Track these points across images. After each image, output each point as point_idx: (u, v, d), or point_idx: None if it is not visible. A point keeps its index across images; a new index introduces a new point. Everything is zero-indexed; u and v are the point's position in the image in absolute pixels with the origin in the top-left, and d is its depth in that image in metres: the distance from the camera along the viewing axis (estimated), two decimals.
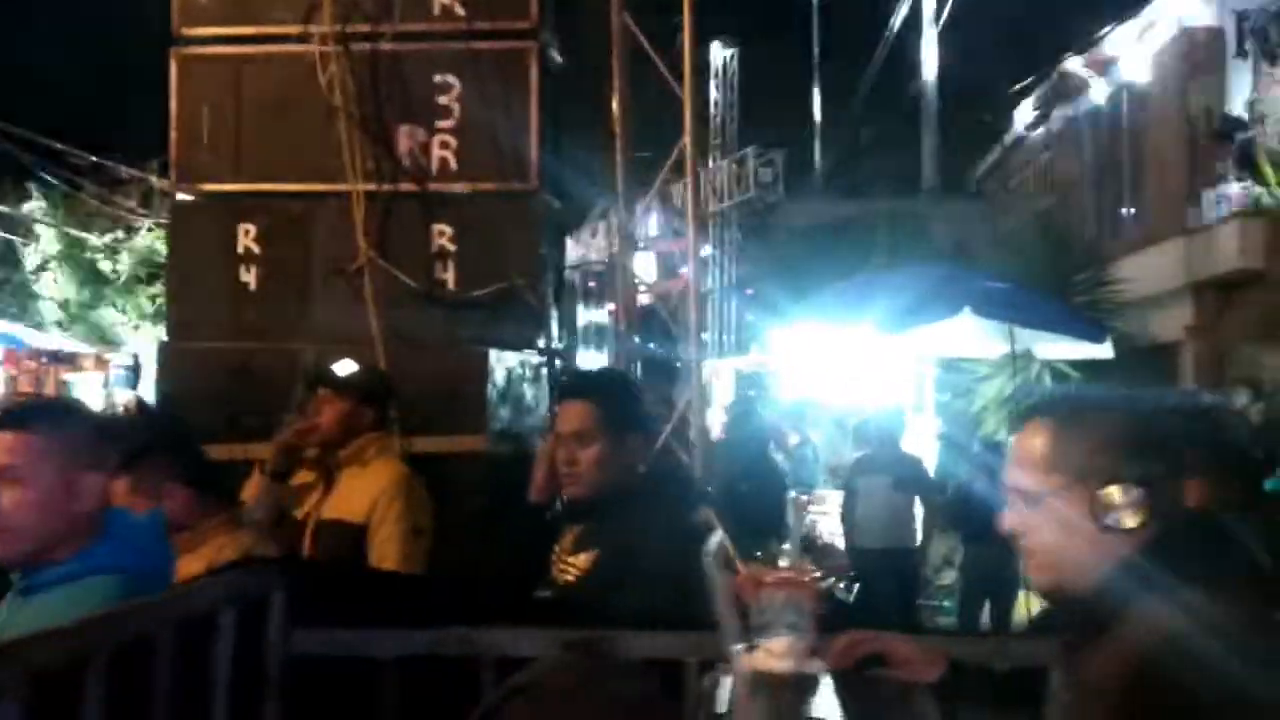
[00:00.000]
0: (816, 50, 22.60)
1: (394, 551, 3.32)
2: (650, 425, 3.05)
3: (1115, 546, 1.61)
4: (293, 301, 4.55)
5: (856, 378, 10.40)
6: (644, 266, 21.42)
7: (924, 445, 9.43)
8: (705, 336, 16.85)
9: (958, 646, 2.07)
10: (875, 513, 7.93)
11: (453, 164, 4.53)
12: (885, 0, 20.71)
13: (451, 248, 4.51)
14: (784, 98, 22.71)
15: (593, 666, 1.58)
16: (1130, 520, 1.60)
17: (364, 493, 3.43)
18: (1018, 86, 17.41)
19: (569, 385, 3.23)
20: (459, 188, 4.53)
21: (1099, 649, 1.57)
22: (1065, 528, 1.64)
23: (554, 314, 4.79)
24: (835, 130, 23.60)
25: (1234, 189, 11.37)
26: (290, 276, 4.56)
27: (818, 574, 2.04)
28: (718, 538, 2.05)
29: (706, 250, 17.80)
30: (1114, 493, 1.60)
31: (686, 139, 4.60)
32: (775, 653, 1.92)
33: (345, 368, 3.57)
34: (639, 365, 6.95)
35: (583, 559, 2.86)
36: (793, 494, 9.35)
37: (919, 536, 8.14)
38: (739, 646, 1.82)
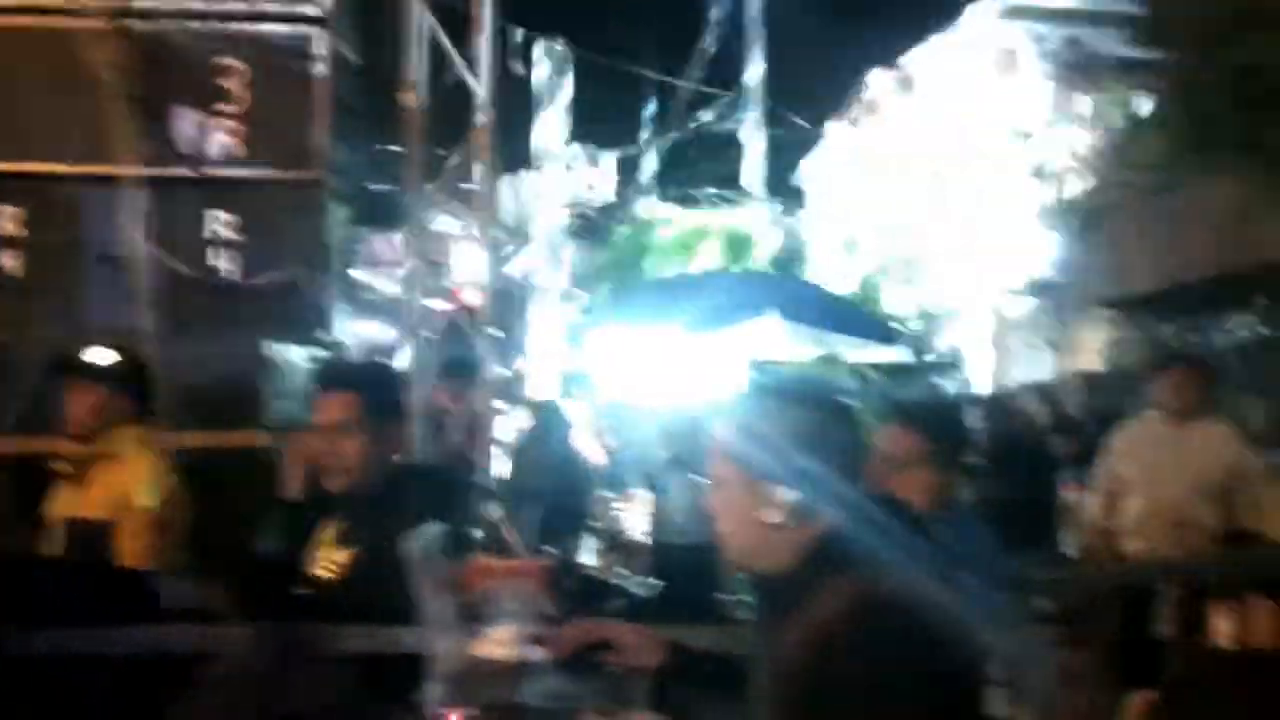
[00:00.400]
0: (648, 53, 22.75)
1: (139, 548, 3.16)
2: (402, 417, 2.97)
3: (793, 531, 1.67)
4: (59, 290, 4.32)
5: (671, 379, 10.54)
6: (473, 263, 21.23)
7: None
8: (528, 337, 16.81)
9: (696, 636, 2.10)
10: (680, 510, 8.02)
11: (234, 150, 4.39)
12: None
13: (231, 236, 4.36)
14: (618, 99, 22.79)
15: None
16: (792, 520, 1.66)
17: (114, 488, 3.26)
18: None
19: (328, 376, 3.14)
20: (240, 174, 4.38)
21: (794, 624, 1.62)
22: (740, 515, 1.69)
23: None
24: (668, 132, 23.80)
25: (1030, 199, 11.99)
26: (56, 264, 4.34)
27: (548, 563, 2.04)
28: (433, 530, 2.03)
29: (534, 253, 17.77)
30: (775, 489, 1.66)
31: (478, 132, 4.56)
32: (497, 640, 1.93)
33: (97, 355, 3.33)
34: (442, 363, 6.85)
35: (341, 554, 2.80)
36: (600, 494, 9.40)
37: None
38: (456, 635, 1.82)
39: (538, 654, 1.89)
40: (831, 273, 13.46)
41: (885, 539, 1.68)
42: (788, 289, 9.11)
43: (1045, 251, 11.60)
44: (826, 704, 1.53)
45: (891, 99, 15.25)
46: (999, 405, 9.62)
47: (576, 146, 19.37)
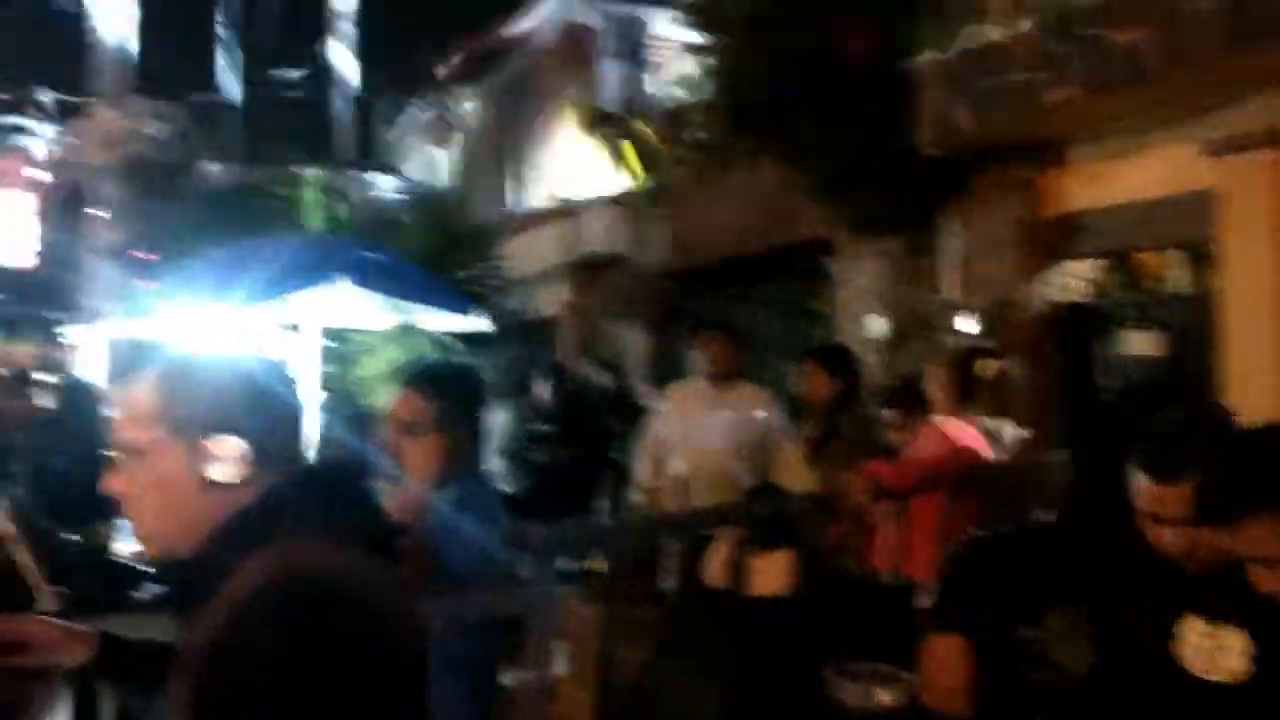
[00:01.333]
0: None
1: None
2: None
3: (223, 502, 1.56)
4: None
5: (234, 348, 10.01)
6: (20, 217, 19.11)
7: (311, 416, 9.28)
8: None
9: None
10: None
11: None
12: None
13: None
14: (195, 45, 21.25)
15: None
16: (233, 472, 1.56)
17: None
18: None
19: None
20: None
21: (201, 616, 1.45)
22: (167, 484, 1.56)
23: None
24: (254, 89, 22.53)
25: (601, 177, 12.43)
26: None
27: None
28: None
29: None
30: (217, 444, 1.56)
31: None
32: None
33: None
34: None
35: None
36: None
37: None
38: None
39: None
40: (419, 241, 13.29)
41: (337, 506, 1.61)
42: (356, 256, 8.87)
43: (612, 228, 12.10)
44: (219, 695, 1.30)
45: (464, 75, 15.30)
46: (563, 374, 9.96)
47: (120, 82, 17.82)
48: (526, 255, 13.42)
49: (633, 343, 12.21)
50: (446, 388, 2.91)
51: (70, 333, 12.78)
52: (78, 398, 7.11)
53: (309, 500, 1.58)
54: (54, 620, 1.72)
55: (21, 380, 7.09)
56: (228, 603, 1.40)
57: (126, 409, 1.58)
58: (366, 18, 19.45)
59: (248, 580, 1.42)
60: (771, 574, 4.94)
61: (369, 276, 8.65)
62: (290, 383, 1.68)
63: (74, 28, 18.72)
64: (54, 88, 18.26)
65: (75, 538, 4.92)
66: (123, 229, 17.82)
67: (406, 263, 9.97)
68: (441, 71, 16.10)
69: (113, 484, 1.59)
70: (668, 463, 5.87)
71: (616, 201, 12.00)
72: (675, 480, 5.76)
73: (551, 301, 13.81)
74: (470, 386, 3.05)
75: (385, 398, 10.77)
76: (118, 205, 18.07)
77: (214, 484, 1.55)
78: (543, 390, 8.91)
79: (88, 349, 12.70)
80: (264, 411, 1.59)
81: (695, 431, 5.77)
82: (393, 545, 1.71)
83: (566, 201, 13.23)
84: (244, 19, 21.82)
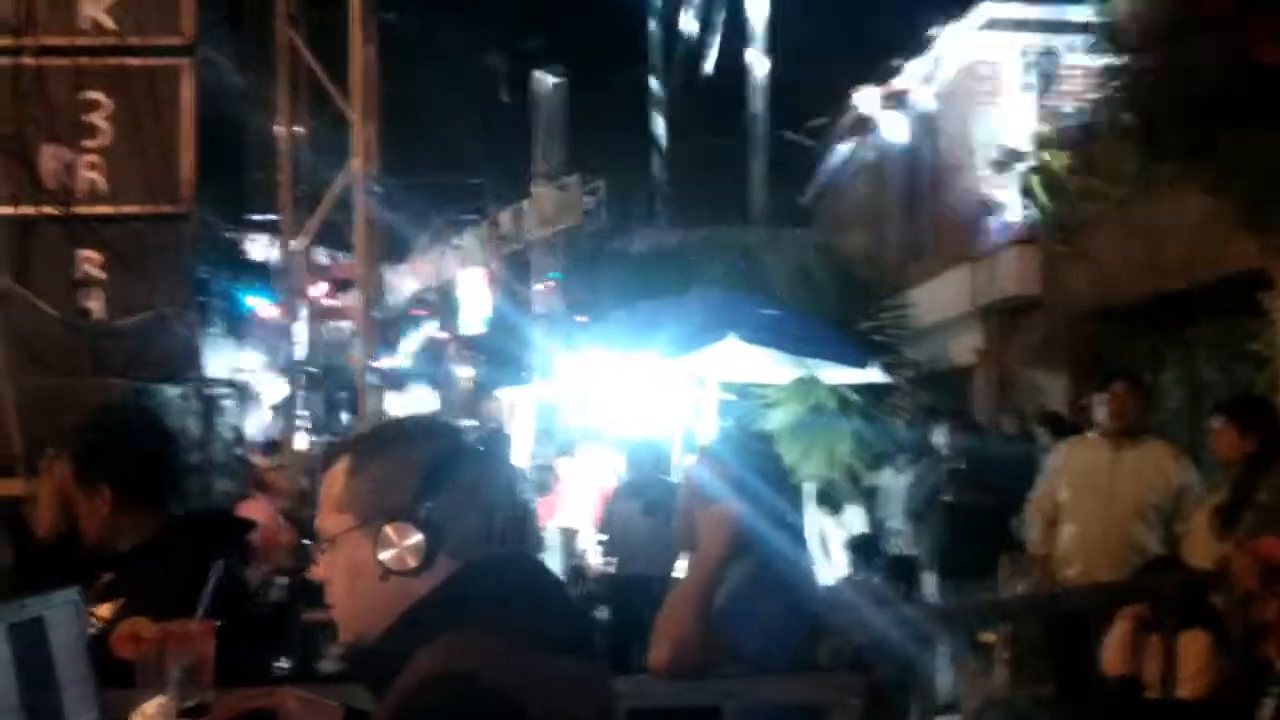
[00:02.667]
0: (654, 82, 22.70)
1: None
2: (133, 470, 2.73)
3: (406, 590, 1.49)
4: None
5: (639, 404, 10.38)
6: (476, 291, 21.23)
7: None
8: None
9: None
10: (632, 539, 7.84)
11: (101, 186, 4.28)
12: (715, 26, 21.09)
13: (99, 275, 4.25)
14: (618, 125, 22.78)
15: None
16: (411, 560, 1.48)
17: None
18: (819, 121, 17.82)
19: None
20: (106, 211, 4.27)
21: (380, 705, 1.45)
22: (354, 572, 1.52)
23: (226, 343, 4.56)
24: (669, 158, 23.77)
25: (1015, 217, 11.74)
26: None
27: (214, 624, 1.86)
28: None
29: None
30: (393, 532, 1.49)
31: (356, 162, 4.42)
32: (147, 714, 1.76)
33: None
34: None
35: (105, 608, 2.65)
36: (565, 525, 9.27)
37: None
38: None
39: None
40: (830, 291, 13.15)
41: (517, 600, 1.50)
42: (750, 312, 8.91)
43: (1026, 269, 11.36)
44: None
45: (881, 116, 15.06)
46: (969, 425, 9.35)
47: (559, 169, 19.33)
48: (934, 301, 12.92)
49: (1053, 391, 11.33)
50: (745, 458, 2.74)
51: (508, 394, 13.93)
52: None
53: (487, 593, 1.49)
54: (302, 692, 1.75)
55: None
56: (396, 695, 1.42)
57: (323, 496, 1.57)
58: (775, 75, 19.84)
59: (412, 676, 1.42)
60: (1187, 665, 4.27)
61: (760, 332, 8.66)
62: (488, 460, 1.61)
63: (517, 119, 20.64)
64: (499, 174, 20.16)
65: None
66: (560, 295, 19.27)
67: (804, 315, 9.89)
68: (847, 119, 16.03)
69: (316, 571, 1.58)
70: (1061, 526, 5.30)
71: (1030, 240, 11.26)
72: (1069, 546, 5.19)
73: (963, 350, 13.19)
74: (766, 459, 2.85)
75: (791, 456, 10.79)
76: (555, 274, 19.57)
77: (392, 572, 1.49)
78: (948, 442, 8.42)
79: (521, 408, 13.75)
80: (451, 496, 1.52)
81: (1092, 493, 5.18)
82: (588, 641, 1.58)
83: (977, 242, 12.62)
84: (669, 94, 23.04)
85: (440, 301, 22.53)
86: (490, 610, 1.47)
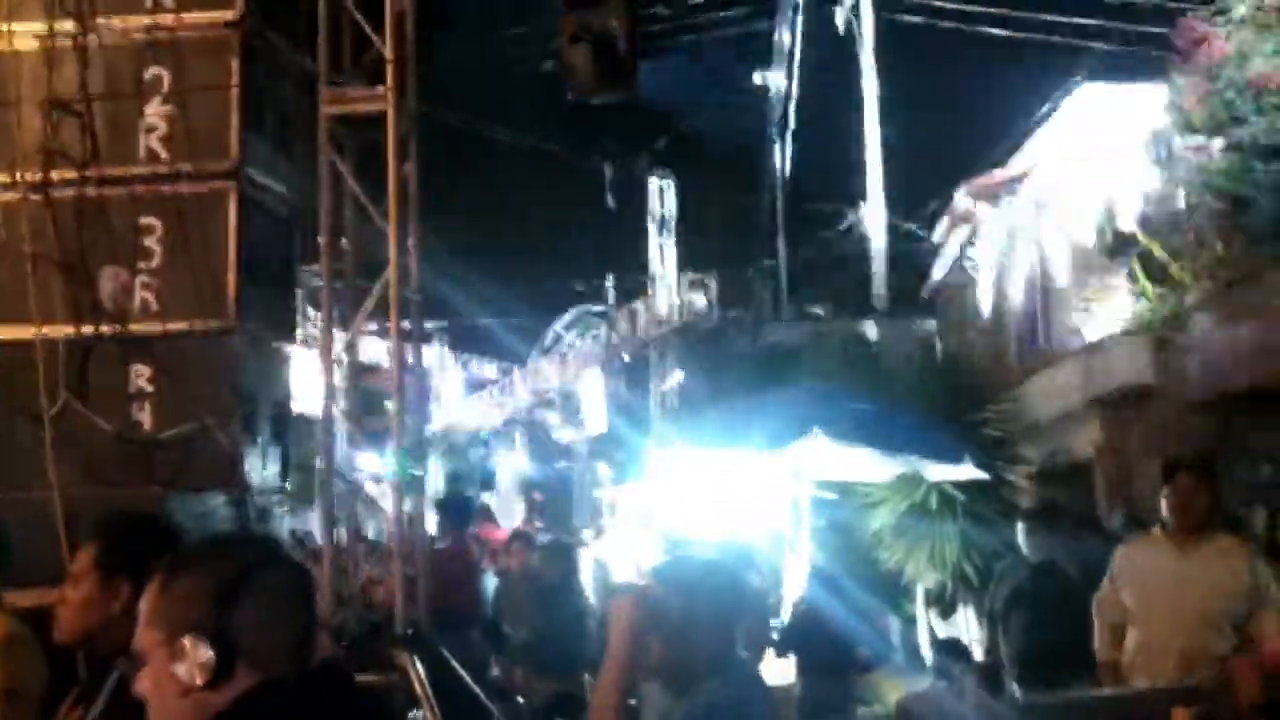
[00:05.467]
0: (778, 199, 22.81)
1: None
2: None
3: (203, 705, 1.51)
4: None
5: (732, 503, 10.23)
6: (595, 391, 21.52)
7: (797, 574, 9.19)
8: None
9: None
10: None
11: (153, 304, 4.52)
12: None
13: (149, 388, 4.46)
14: (730, 223, 22.99)
15: None
16: (199, 677, 1.50)
17: None
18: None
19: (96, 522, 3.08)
20: (157, 329, 4.50)
21: None
22: (159, 688, 1.54)
23: (271, 452, 4.72)
24: (786, 255, 23.81)
25: (1124, 305, 11.34)
26: None
27: None
28: None
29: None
30: (189, 647, 1.51)
31: (391, 271, 4.58)
32: None
33: None
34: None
35: None
36: None
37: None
38: None
39: None
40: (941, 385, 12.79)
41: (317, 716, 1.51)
42: (840, 407, 8.74)
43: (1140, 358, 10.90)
44: None
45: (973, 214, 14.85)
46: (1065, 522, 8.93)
47: (669, 266, 19.58)
48: (1050, 394, 12.48)
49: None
50: (686, 577, 2.68)
51: (614, 493, 13.95)
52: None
53: (282, 708, 1.50)
54: None
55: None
56: None
57: (140, 610, 1.61)
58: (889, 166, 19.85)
59: None
60: None
61: (848, 427, 8.48)
62: (298, 574, 1.62)
63: (630, 224, 21.06)
64: (618, 277, 20.51)
65: None
66: (674, 390, 19.35)
67: (898, 409, 9.66)
68: (953, 214, 15.85)
69: (136, 685, 1.60)
70: (1129, 632, 5.01)
71: (1143, 330, 10.82)
72: (1137, 656, 4.90)
73: (1083, 443, 12.66)
74: (713, 590, 2.75)
75: (894, 555, 10.42)
76: (670, 370, 19.69)
77: (189, 688, 1.51)
78: (1025, 541, 8.04)
79: (625, 507, 13.72)
80: (253, 610, 1.54)
81: (1157, 599, 4.89)
82: None
83: (1089, 333, 12.20)
84: (785, 192, 23.17)
85: (563, 402, 22.89)
86: None
